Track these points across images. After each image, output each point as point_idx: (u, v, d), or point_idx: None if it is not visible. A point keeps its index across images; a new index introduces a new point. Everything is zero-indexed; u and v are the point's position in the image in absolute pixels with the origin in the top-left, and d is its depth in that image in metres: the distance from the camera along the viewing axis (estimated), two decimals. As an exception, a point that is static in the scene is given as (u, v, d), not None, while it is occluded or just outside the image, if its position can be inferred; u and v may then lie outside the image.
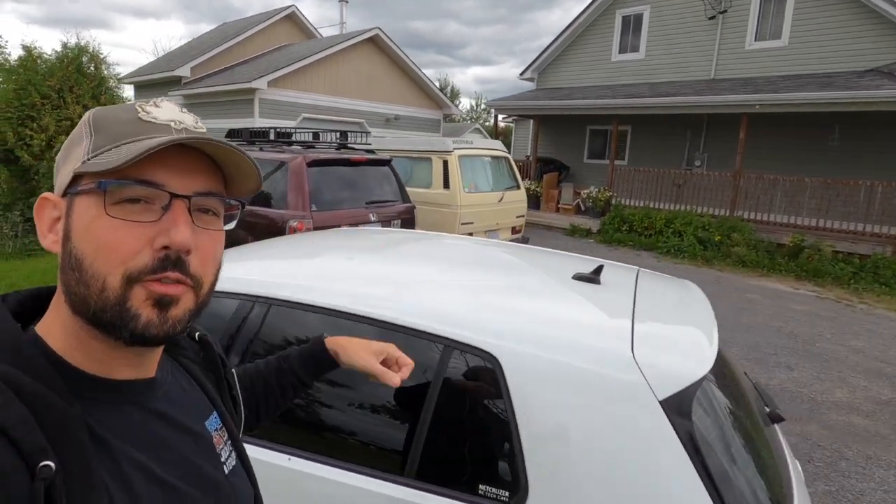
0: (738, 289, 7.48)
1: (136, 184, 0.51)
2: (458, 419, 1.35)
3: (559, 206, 12.57)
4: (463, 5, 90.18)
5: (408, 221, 5.68)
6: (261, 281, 1.68)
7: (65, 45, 8.83)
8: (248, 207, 5.08)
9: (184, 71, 14.24)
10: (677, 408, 1.19)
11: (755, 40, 11.34)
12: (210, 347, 0.74)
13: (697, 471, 1.14)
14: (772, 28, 11.14)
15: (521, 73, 15.22)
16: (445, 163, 6.85)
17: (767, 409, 1.63)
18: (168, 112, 0.56)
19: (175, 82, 14.43)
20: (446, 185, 6.82)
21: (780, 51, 11.01)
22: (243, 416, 0.80)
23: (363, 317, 1.46)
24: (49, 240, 0.55)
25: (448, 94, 44.73)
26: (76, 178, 0.53)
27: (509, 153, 8.11)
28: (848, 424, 3.67)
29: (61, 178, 0.55)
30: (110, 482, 0.50)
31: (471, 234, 6.83)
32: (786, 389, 4.20)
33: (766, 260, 8.92)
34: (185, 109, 0.58)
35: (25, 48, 8.55)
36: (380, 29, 14.01)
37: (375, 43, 14.15)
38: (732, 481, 1.17)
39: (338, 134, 6.09)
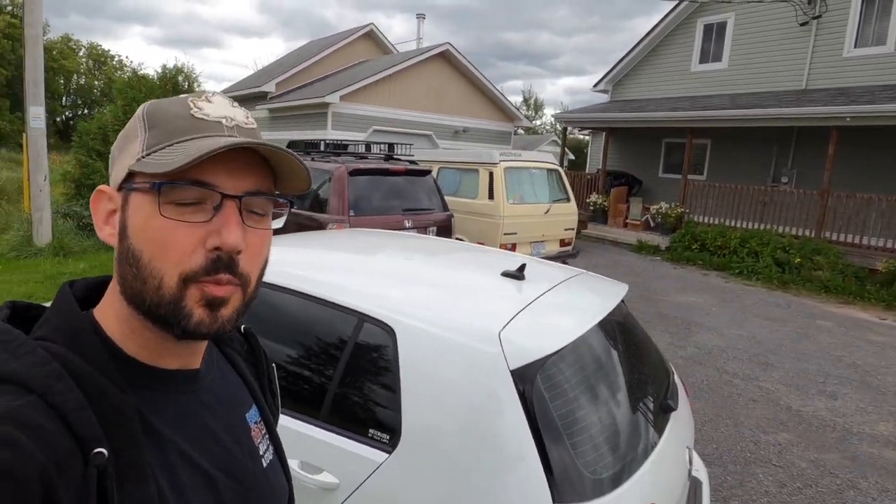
0: (810, 315, 7.04)
1: (189, 185, 0.52)
2: (362, 377, 1.69)
3: (627, 221, 12.36)
4: (556, 15, 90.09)
5: (444, 229, 6.05)
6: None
7: (164, 67, 10.32)
8: (300, 211, 5.74)
9: (269, 87, 15.78)
10: (523, 376, 1.45)
11: (854, 47, 10.56)
12: (255, 340, 0.76)
13: (532, 428, 1.39)
14: (875, 33, 10.33)
15: (595, 85, 15.18)
16: (491, 174, 7.17)
17: (665, 401, 1.81)
18: (219, 108, 0.57)
19: (262, 97, 16.01)
20: (491, 195, 7.13)
21: (883, 58, 10.17)
22: (279, 410, 0.82)
23: (296, 291, 1.85)
24: (106, 232, 0.57)
25: (532, 106, 44.88)
26: (131, 174, 0.55)
27: (562, 166, 8.24)
28: (876, 457, 3.49)
29: (117, 171, 0.57)
30: (158, 471, 0.52)
31: (514, 245, 7.07)
32: (817, 417, 4.03)
33: (854, 286, 8.26)
34: (235, 104, 0.59)
35: (132, 69, 10.05)
36: (450, 44, 14.66)
37: (446, 58, 14.81)
38: (563, 441, 1.41)
39: (385, 146, 6.64)
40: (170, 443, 0.55)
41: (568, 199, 7.86)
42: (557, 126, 44.43)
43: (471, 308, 1.73)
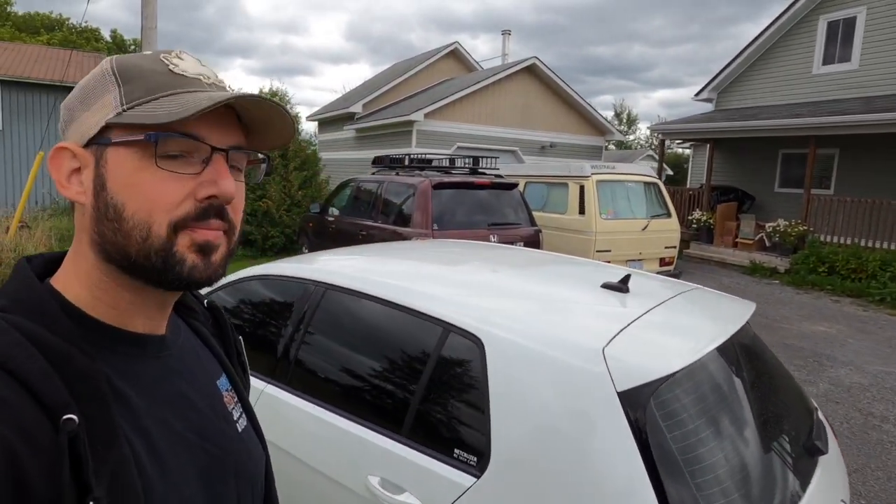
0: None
1: (184, 137, 0.53)
2: (447, 392, 1.59)
3: (737, 240, 11.42)
4: (650, 25, 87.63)
5: (532, 245, 5.89)
6: (318, 270, 2.14)
7: (261, 90, 11.13)
8: (384, 225, 5.86)
9: (356, 108, 16.54)
10: (633, 400, 1.28)
11: None
12: (220, 313, 0.78)
13: (645, 461, 1.22)
14: None
15: (697, 94, 14.37)
16: (582, 188, 6.92)
17: (810, 442, 1.54)
18: (193, 65, 0.59)
19: (349, 118, 16.82)
20: (581, 210, 6.87)
21: None
22: (249, 383, 0.84)
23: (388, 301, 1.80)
24: (72, 191, 0.56)
25: (624, 120, 43.53)
26: (105, 128, 0.54)
27: (660, 179, 7.79)
28: None
29: (83, 127, 0.56)
30: (131, 434, 0.52)
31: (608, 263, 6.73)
32: None
33: None
34: (204, 62, 0.61)
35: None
36: (537, 58, 14.58)
37: (532, 72, 14.74)
38: (684, 479, 1.21)
39: (470, 160, 6.63)
40: (142, 407, 0.55)
41: (669, 215, 7.39)
42: (653, 140, 42.69)
43: (569, 321, 1.59)
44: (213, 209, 0.56)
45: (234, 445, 0.66)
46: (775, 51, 12.76)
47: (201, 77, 0.58)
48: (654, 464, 1.21)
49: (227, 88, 0.61)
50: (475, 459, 1.44)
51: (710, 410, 1.38)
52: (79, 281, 0.57)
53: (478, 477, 1.39)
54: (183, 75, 0.57)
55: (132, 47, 43.20)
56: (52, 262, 0.61)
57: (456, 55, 18.30)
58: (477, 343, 1.54)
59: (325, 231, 7.20)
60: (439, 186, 5.56)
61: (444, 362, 1.61)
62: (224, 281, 2.57)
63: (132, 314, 0.58)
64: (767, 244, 10.80)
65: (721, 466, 1.27)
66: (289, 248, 9.63)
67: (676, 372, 1.32)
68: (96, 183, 0.55)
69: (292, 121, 0.61)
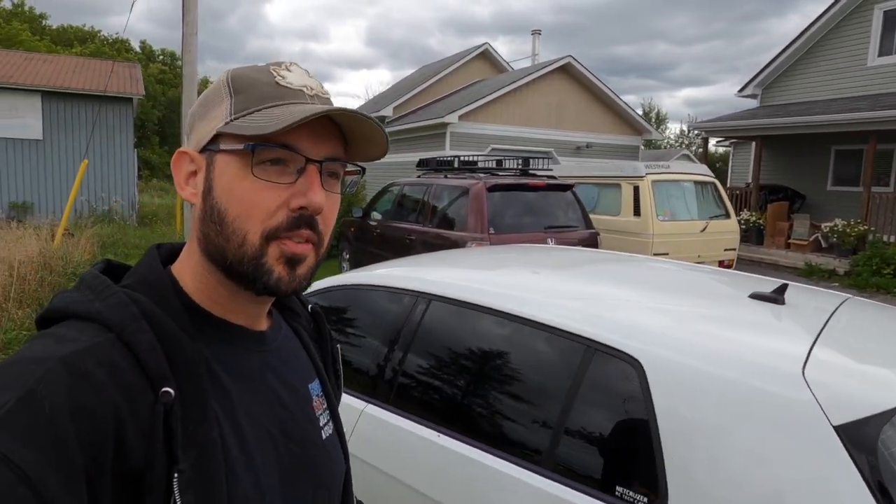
0: None
1: (279, 147, 0.56)
2: (598, 420, 1.40)
3: (790, 241, 10.97)
4: (673, 23, 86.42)
5: (590, 248, 5.66)
6: (420, 279, 1.97)
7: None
8: (428, 228, 5.70)
9: (387, 111, 16.48)
10: (856, 437, 1.07)
11: None
12: (321, 319, 0.79)
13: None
14: None
15: (740, 90, 13.92)
16: (636, 188, 6.67)
17: None
18: (299, 77, 0.61)
19: (380, 122, 16.75)
20: (637, 212, 6.62)
21: None
22: (341, 393, 0.84)
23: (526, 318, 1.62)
24: (188, 191, 0.61)
25: (653, 120, 42.80)
26: (217, 136, 0.59)
27: (716, 179, 7.48)
28: None
29: (200, 134, 0.61)
30: (222, 418, 0.55)
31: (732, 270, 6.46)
32: None
33: None
34: (311, 74, 0.63)
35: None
36: (572, 57, 14.32)
37: (567, 71, 14.48)
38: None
39: (520, 161, 6.44)
40: (235, 396, 0.58)
41: (727, 216, 7.08)
42: (685, 139, 41.82)
43: (740, 339, 1.38)
44: (303, 219, 0.58)
45: (316, 450, 0.67)
46: (825, 43, 12.26)
47: (304, 89, 0.60)
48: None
49: (330, 100, 0.63)
50: (644, 499, 1.24)
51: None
52: (190, 272, 0.61)
53: (659, 521, 1.19)
54: (288, 87, 0.59)
55: (160, 56, 44.24)
56: (176, 251, 0.65)
57: (486, 56, 18.12)
58: (634, 364, 1.35)
59: (369, 236, 7.08)
60: (494, 188, 5.38)
61: (591, 385, 1.42)
62: (311, 290, 2.43)
63: (232, 309, 0.62)
64: (824, 245, 10.34)
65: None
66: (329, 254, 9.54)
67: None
68: (205, 186, 0.59)
69: (384, 134, 0.62)
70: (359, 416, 1.89)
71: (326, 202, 0.60)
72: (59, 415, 0.44)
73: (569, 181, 7.19)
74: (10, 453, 0.41)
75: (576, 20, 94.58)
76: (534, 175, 6.17)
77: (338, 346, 0.81)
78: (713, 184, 7.22)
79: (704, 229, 6.73)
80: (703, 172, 7.24)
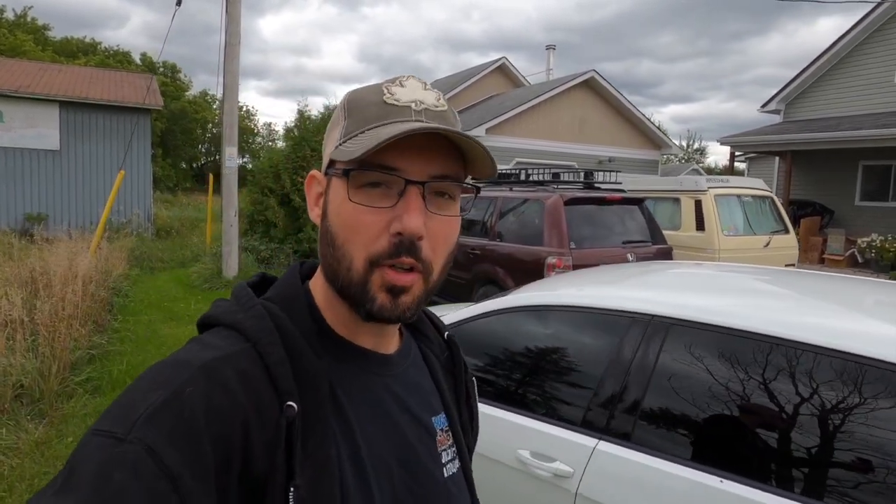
0: None
1: (373, 170, 0.54)
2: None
3: (824, 256, 10.92)
4: (658, 42, 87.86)
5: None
6: (649, 300, 1.78)
7: (326, 107, 10.98)
8: (503, 244, 5.52)
9: (407, 124, 16.41)
10: None
11: None
12: (456, 348, 0.75)
13: None
14: None
15: (763, 106, 13.99)
16: (698, 203, 6.54)
17: None
18: (410, 91, 0.58)
19: (398, 135, 16.66)
20: (700, 226, 6.48)
21: None
22: (478, 433, 0.79)
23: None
24: (314, 213, 0.62)
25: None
26: (332, 160, 0.59)
27: (773, 194, 7.38)
28: None
29: (325, 157, 0.62)
30: (340, 439, 0.55)
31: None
32: None
33: None
34: (428, 86, 0.59)
35: (300, 112, 10.81)
36: (595, 71, 14.35)
37: (590, 85, 14.50)
38: None
39: (581, 174, 6.30)
40: (354, 417, 0.57)
41: (787, 231, 6.98)
42: (685, 153, 42.06)
43: None
44: (403, 245, 0.55)
45: (437, 488, 0.63)
46: (851, 60, 12.36)
47: (413, 104, 0.57)
48: None
49: (446, 113, 0.58)
50: None
51: None
52: (320, 291, 0.62)
53: None
54: (394, 105, 0.57)
55: (161, 69, 44.10)
56: (315, 267, 0.65)
57: (503, 70, 18.17)
58: None
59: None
60: (571, 202, 5.22)
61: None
62: (481, 310, 2.23)
63: (356, 331, 0.61)
64: (860, 260, 10.29)
65: None
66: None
67: None
68: (324, 209, 0.60)
69: (483, 149, 0.57)
70: (590, 454, 1.68)
71: (433, 225, 0.56)
72: (196, 417, 0.46)
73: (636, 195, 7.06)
74: (156, 447, 0.44)
75: (567, 38, 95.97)
76: (599, 188, 6.03)
77: (473, 379, 0.77)
78: (771, 198, 7.13)
79: (768, 244, 6.62)
80: (760, 187, 7.15)
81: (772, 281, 2.15)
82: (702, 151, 45.37)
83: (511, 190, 6.01)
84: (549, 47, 19.97)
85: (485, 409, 1.97)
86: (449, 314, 2.33)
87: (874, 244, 9.94)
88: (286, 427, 0.49)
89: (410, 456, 0.61)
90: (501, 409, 1.95)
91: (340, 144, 0.57)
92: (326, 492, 0.51)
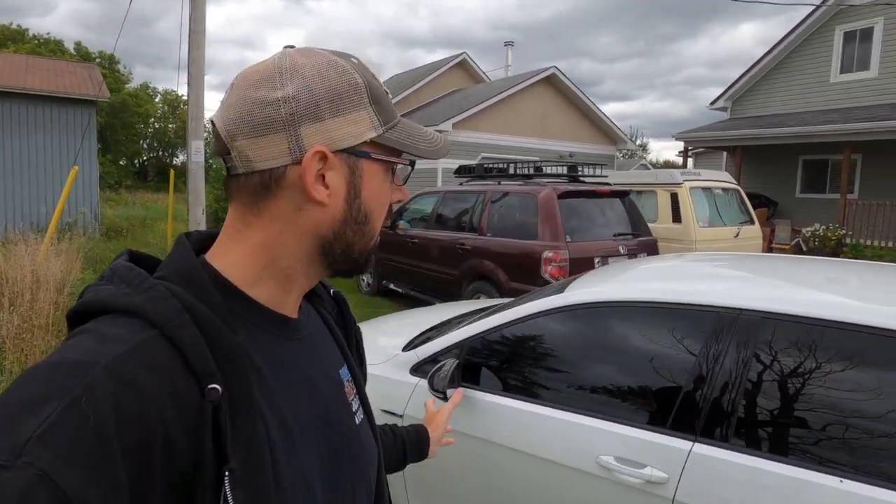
0: None
1: (410, 164, 0.65)
2: None
3: (772, 245, 11.48)
4: (598, 42, 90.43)
5: (652, 254, 5.57)
6: (741, 296, 1.72)
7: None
8: (494, 238, 5.42)
9: (368, 119, 16.04)
10: None
11: None
12: (344, 304, 0.78)
13: None
14: None
15: (712, 103, 14.55)
16: (674, 195, 6.68)
17: None
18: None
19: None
20: (676, 219, 6.63)
21: None
22: (367, 376, 0.83)
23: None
24: (321, 194, 0.56)
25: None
26: (363, 142, 0.58)
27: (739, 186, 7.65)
28: None
29: (337, 134, 0.56)
30: (266, 411, 0.53)
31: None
32: None
33: None
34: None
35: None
36: (556, 67, 14.49)
37: (551, 82, 14.64)
38: None
39: (564, 167, 6.30)
40: (276, 386, 0.56)
41: (752, 222, 7.25)
42: (628, 151, 43.46)
43: None
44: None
45: (353, 436, 0.66)
46: (791, 61, 13.02)
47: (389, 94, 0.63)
48: None
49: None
50: None
51: None
52: (240, 266, 0.57)
53: None
54: (389, 94, 0.62)
55: (97, 59, 41.34)
56: (207, 238, 0.62)
57: (464, 66, 18.08)
58: None
59: (403, 247, 6.69)
60: (564, 195, 5.19)
61: None
62: (536, 308, 2.11)
63: (289, 300, 0.61)
64: (804, 248, 10.86)
65: None
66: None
67: None
68: (350, 189, 0.58)
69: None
70: (686, 457, 1.60)
71: None
72: (104, 426, 0.42)
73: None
74: (51, 472, 0.39)
75: (511, 36, 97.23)
76: (583, 181, 6.03)
77: (359, 328, 0.80)
78: (737, 191, 7.38)
79: (738, 235, 6.85)
80: (727, 180, 7.39)
81: (841, 271, 2.14)
82: (644, 147, 47.07)
83: (499, 184, 5.92)
84: (508, 44, 20.08)
85: (555, 414, 1.86)
86: (475, 322, 2.20)
87: (818, 233, 10.53)
88: (212, 411, 0.47)
89: (331, 412, 0.63)
90: (574, 413, 1.85)
91: (386, 132, 0.59)
92: (260, 467, 0.49)
